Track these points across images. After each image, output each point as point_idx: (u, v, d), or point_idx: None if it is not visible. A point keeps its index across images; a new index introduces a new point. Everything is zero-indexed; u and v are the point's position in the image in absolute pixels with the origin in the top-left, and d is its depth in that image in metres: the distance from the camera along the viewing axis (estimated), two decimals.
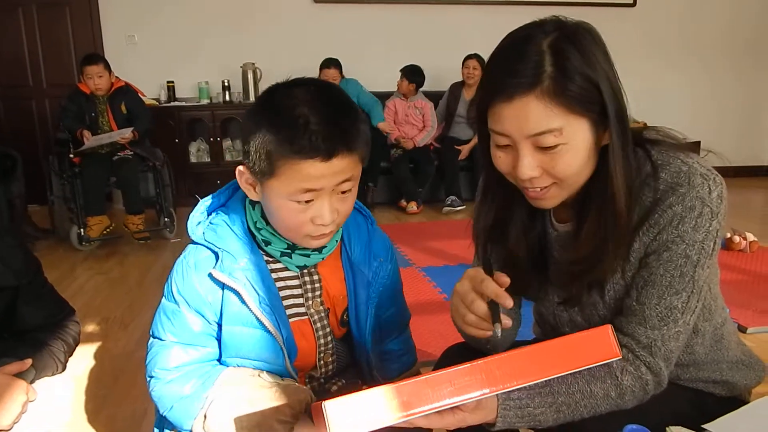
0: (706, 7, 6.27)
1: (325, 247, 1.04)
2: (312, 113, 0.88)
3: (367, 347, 1.12)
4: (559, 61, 0.84)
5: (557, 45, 0.85)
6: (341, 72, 5.13)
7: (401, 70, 5.25)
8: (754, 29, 6.44)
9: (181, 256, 1.04)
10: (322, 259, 1.06)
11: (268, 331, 1.02)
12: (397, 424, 0.76)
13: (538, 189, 0.92)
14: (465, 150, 5.23)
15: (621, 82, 0.90)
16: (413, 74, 5.23)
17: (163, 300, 1.04)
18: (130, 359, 2.36)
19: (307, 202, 0.92)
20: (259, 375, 1.03)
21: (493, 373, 0.78)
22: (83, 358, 2.32)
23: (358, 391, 0.76)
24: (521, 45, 0.86)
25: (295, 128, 0.88)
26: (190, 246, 1.04)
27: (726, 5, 6.31)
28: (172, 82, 5.36)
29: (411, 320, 1.27)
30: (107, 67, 4.11)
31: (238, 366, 1.05)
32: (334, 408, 0.74)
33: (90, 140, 3.99)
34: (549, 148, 0.87)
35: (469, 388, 0.78)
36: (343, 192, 0.95)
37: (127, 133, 4.05)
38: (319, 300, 1.08)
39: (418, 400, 0.76)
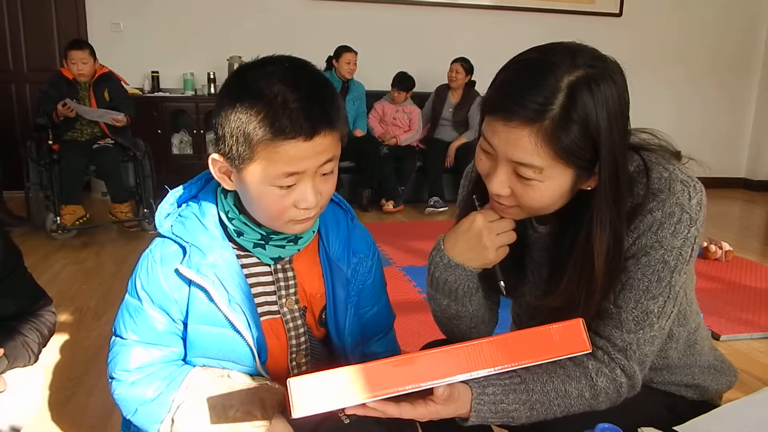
0: (692, 18, 6.34)
1: (301, 237, 0.98)
2: (290, 91, 0.83)
3: (345, 349, 1.06)
4: (569, 105, 0.81)
5: (576, 88, 0.81)
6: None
7: (393, 84, 5.22)
8: (739, 44, 6.53)
9: (147, 250, 0.98)
10: (298, 250, 1.00)
11: (238, 331, 0.96)
12: (364, 403, 0.76)
13: (502, 204, 0.93)
14: (451, 157, 5.22)
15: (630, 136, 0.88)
16: (406, 82, 5.23)
17: (127, 296, 0.98)
18: (102, 350, 2.31)
19: (288, 186, 0.87)
20: (228, 375, 0.98)
21: (463, 359, 0.78)
22: (54, 348, 2.28)
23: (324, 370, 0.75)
24: (542, 71, 0.83)
25: (273, 108, 0.82)
26: (158, 239, 0.99)
27: (712, 18, 6.39)
28: (157, 72, 5.29)
29: None
30: (92, 53, 4.05)
31: (205, 366, 0.99)
32: (299, 385, 0.73)
33: (77, 107, 3.89)
34: (525, 178, 0.87)
35: (437, 373, 0.77)
36: (325, 174, 0.90)
37: (120, 116, 3.98)
38: (293, 298, 1.02)
39: (386, 381, 0.75)
